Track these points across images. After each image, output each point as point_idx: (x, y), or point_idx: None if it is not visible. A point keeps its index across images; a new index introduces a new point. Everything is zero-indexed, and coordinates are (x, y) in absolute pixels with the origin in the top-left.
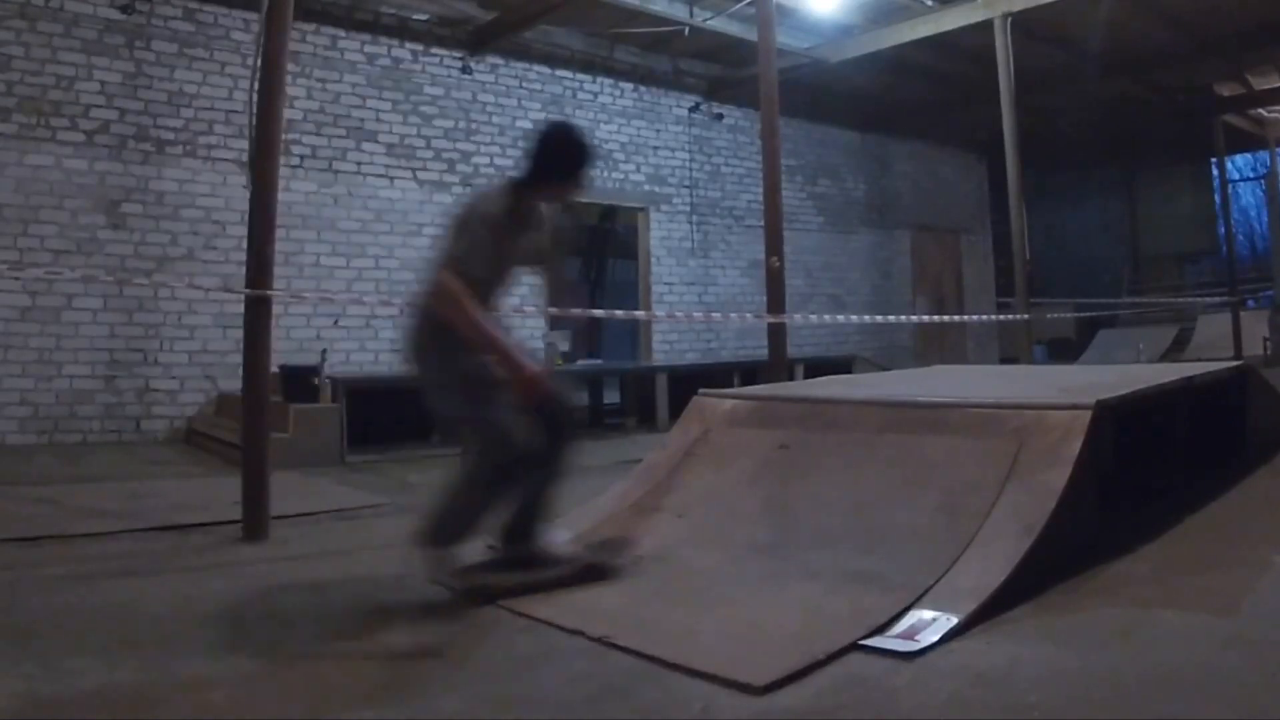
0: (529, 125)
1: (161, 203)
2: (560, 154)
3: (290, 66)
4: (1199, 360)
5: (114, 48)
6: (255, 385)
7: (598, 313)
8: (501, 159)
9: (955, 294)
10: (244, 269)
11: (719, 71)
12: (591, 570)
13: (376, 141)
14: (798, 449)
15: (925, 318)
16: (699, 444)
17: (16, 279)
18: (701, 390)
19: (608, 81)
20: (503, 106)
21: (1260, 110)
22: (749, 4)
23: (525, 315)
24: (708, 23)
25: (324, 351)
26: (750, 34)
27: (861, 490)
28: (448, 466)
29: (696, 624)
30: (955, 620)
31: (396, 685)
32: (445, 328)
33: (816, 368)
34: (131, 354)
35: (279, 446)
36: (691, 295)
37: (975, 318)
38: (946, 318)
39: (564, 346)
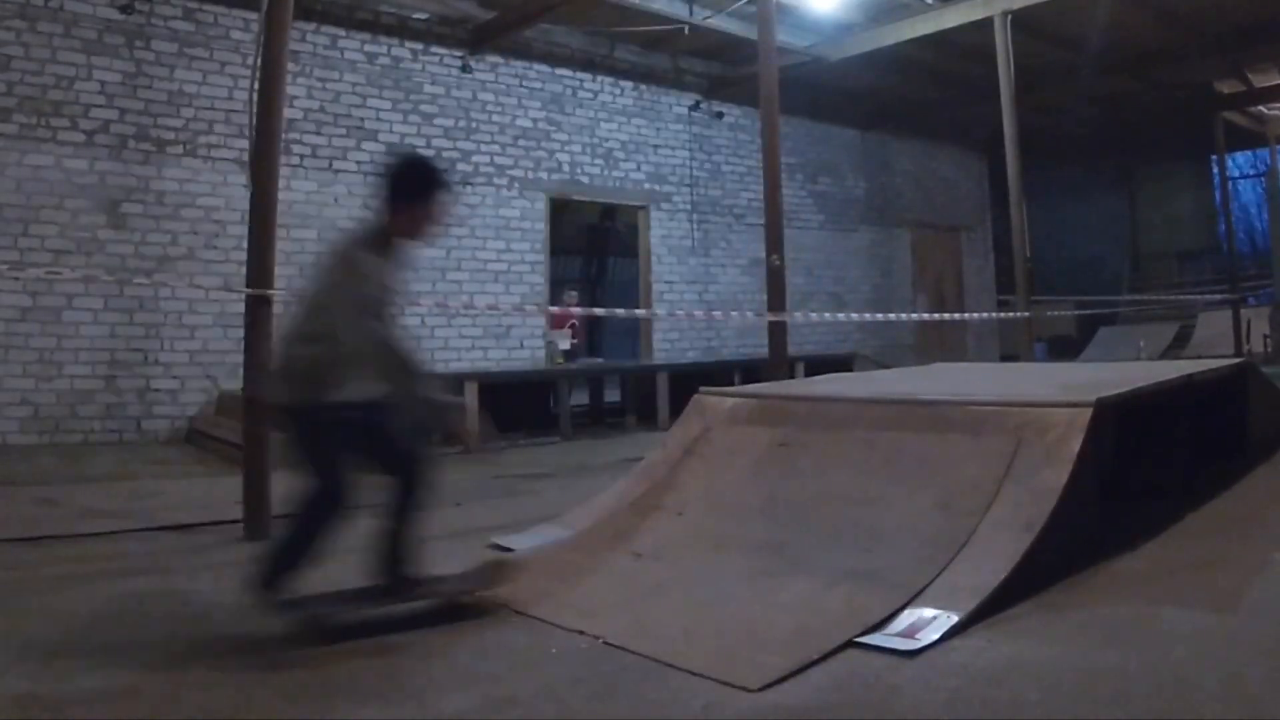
0: (529, 124)
1: (162, 202)
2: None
3: (290, 66)
4: (1199, 358)
5: (114, 48)
6: (256, 384)
7: (599, 311)
8: (501, 158)
9: (955, 292)
10: (244, 268)
11: (719, 70)
12: (443, 611)
13: (377, 141)
14: (798, 447)
15: (925, 315)
16: (699, 442)
17: (17, 279)
18: (702, 389)
19: (608, 80)
20: (503, 105)
21: (1260, 107)
22: (749, 2)
23: (526, 314)
24: (708, 21)
25: None
26: (750, 32)
27: (861, 488)
28: (447, 464)
29: (695, 623)
30: (956, 618)
31: (396, 685)
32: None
33: (817, 366)
34: (132, 354)
35: (280, 446)
36: (692, 293)
37: (975, 315)
38: (947, 315)
39: (564, 345)
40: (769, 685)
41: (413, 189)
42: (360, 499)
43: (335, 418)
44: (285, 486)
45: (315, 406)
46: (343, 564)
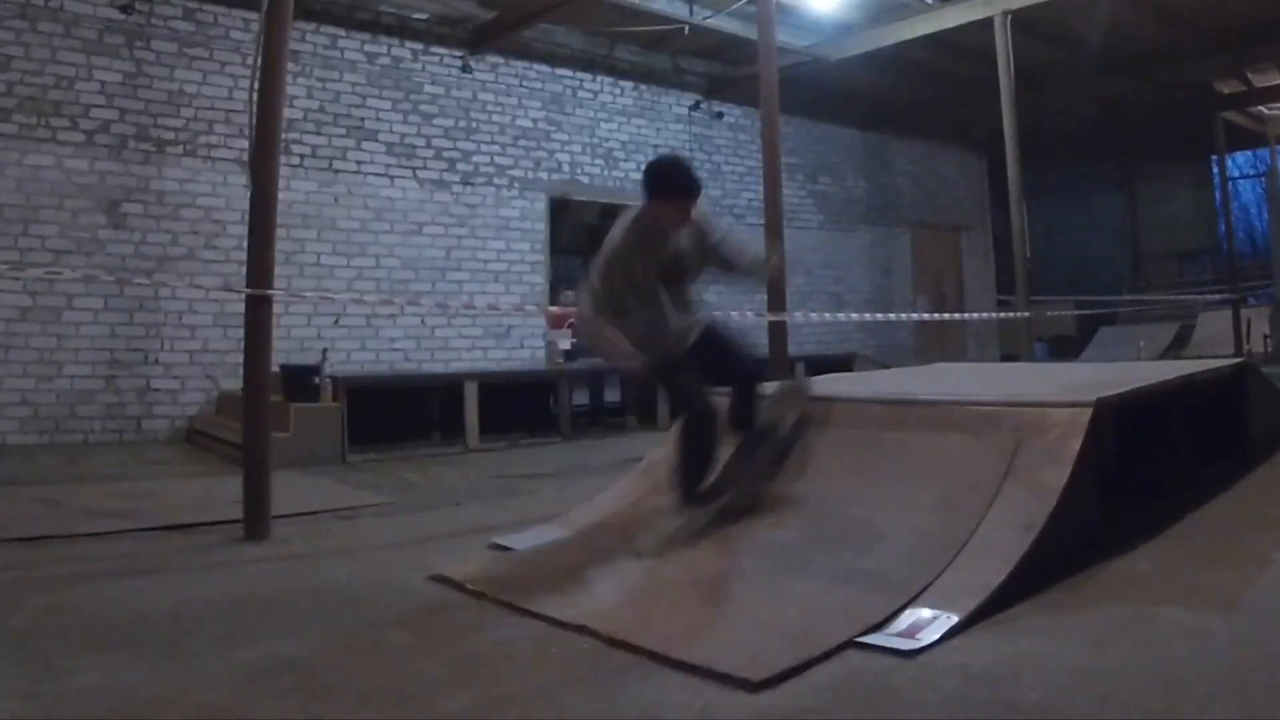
0: (529, 124)
1: (162, 202)
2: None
3: (290, 66)
4: (1199, 358)
5: (114, 48)
6: (256, 384)
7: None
8: (501, 158)
9: (955, 292)
10: (244, 268)
11: (719, 70)
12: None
13: (377, 140)
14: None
15: (925, 315)
16: None
17: (17, 279)
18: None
19: (608, 80)
20: (503, 105)
21: (1260, 107)
22: (749, 2)
23: (526, 314)
24: (707, 21)
25: (325, 351)
26: (750, 32)
27: (861, 488)
28: (448, 464)
29: (696, 621)
30: (956, 618)
31: (397, 685)
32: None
33: (817, 366)
34: (132, 354)
35: (280, 446)
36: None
37: (976, 315)
38: (947, 315)
39: (565, 345)
40: (769, 682)
41: (668, 189)
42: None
43: (675, 360)
44: (283, 486)
45: (661, 358)
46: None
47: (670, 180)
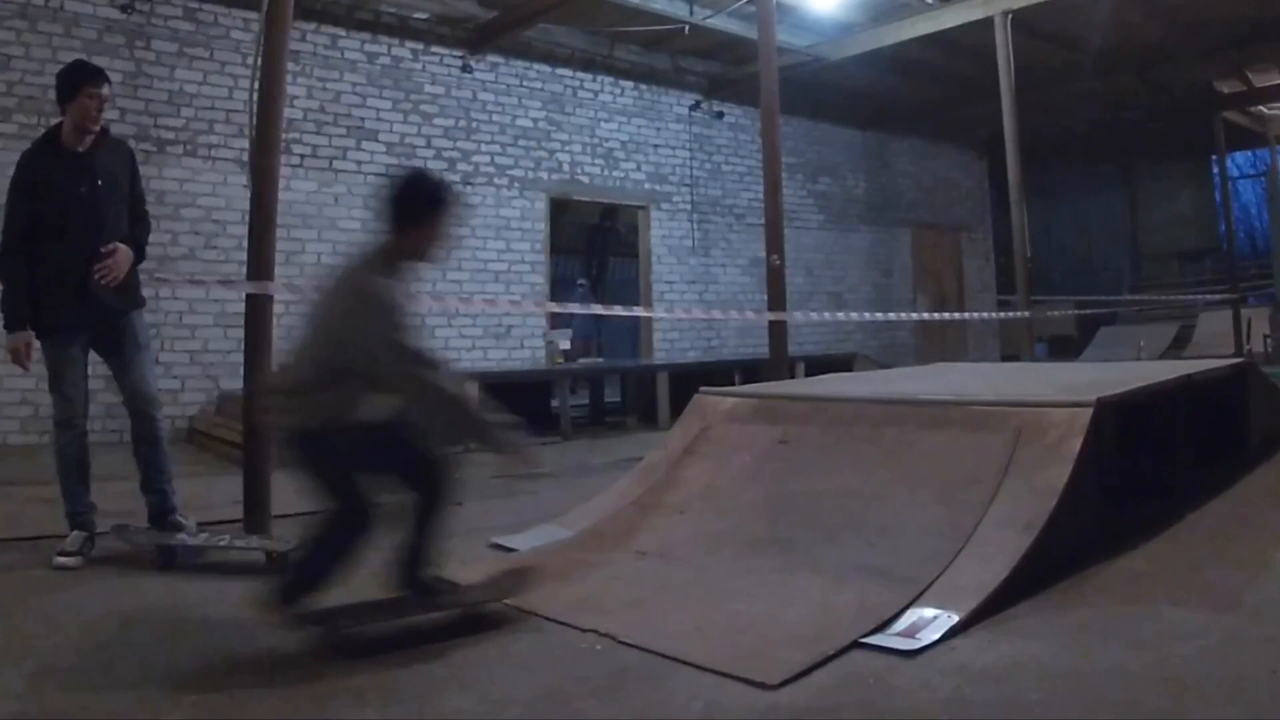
0: (529, 124)
1: (162, 202)
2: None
3: (290, 65)
4: (1200, 358)
5: (114, 47)
6: (256, 384)
7: (599, 310)
8: (501, 158)
9: (956, 291)
10: (244, 268)
11: (719, 70)
12: (465, 622)
13: (377, 140)
14: (798, 446)
15: (925, 315)
16: (700, 441)
17: None
18: (702, 388)
19: (608, 80)
20: (503, 105)
21: (1260, 107)
22: (749, 2)
23: (526, 313)
24: (708, 21)
25: None
26: (750, 32)
27: (861, 487)
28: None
29: (700, 620)
30: (956, 618)
31: (397, 685)
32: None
33: (817, 366)
34: None
35: (286, 460)
36: (692, 293)
37: (976, 315)
38: (947, 315)
39: (564, 345)
40: (787, 683)
41: (419, 211)
42: (380, 516)
43: (351, 439)
44: (288, 487)
45: (330, 429)
46: (366, 576)
47: (436, 193)
